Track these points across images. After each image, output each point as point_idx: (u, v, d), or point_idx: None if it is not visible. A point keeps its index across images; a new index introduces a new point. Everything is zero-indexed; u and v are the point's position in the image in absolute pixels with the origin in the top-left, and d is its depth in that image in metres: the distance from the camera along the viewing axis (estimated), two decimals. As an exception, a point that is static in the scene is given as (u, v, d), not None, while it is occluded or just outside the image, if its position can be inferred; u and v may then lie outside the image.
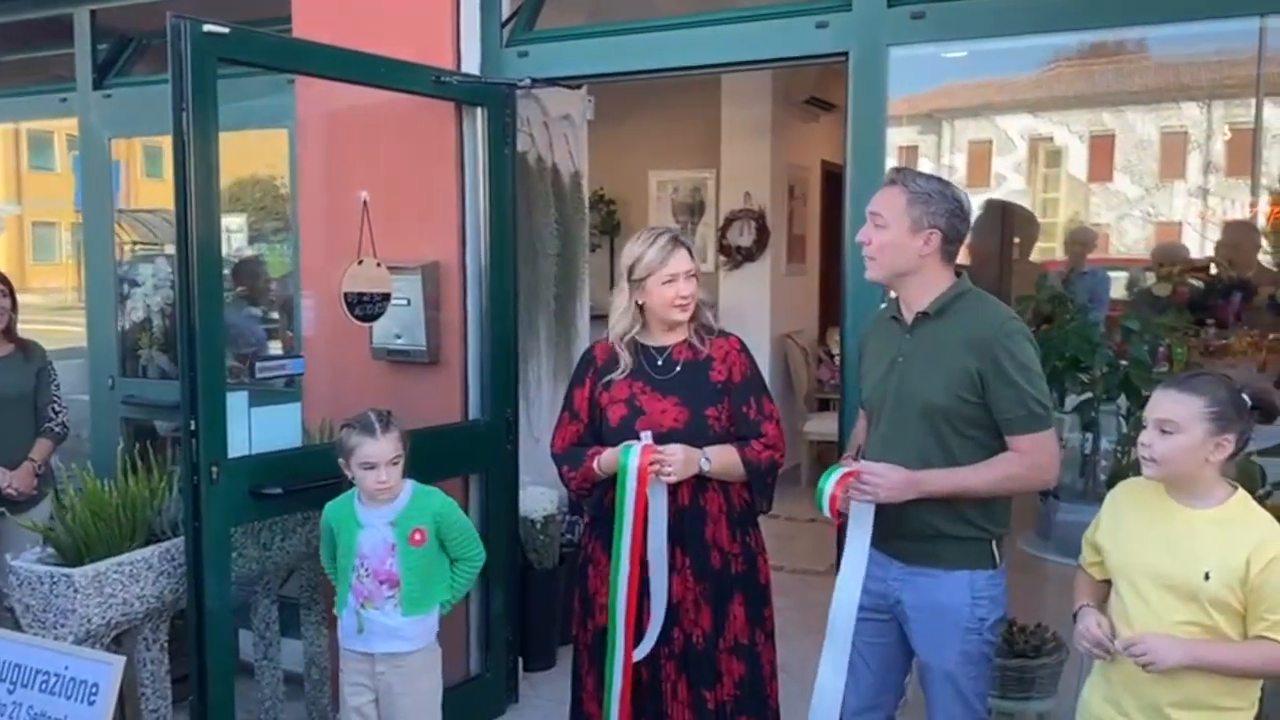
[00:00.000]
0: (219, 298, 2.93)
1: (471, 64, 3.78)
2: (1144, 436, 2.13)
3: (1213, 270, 5.74)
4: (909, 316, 2.51)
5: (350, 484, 2.87)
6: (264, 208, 5.15)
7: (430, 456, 3.15)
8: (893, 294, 2.60)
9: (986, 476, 2.39)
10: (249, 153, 4.85)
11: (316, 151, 4.03)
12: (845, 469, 2.43)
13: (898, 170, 2.56)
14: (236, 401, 3.00)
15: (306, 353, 3.97)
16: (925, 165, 14.23)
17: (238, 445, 3.01)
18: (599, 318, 5.55)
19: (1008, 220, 5.56)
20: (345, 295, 3.45)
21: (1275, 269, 6.27)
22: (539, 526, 4.09)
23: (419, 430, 3.10)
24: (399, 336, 3.80)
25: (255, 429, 3.13)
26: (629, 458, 2.65)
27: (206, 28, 2.78)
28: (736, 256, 6.91)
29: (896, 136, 3.29)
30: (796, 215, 7.26)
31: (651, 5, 4.48)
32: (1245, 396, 2.12)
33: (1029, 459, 2.38)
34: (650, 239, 2.78)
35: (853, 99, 3.31)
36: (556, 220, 4.56)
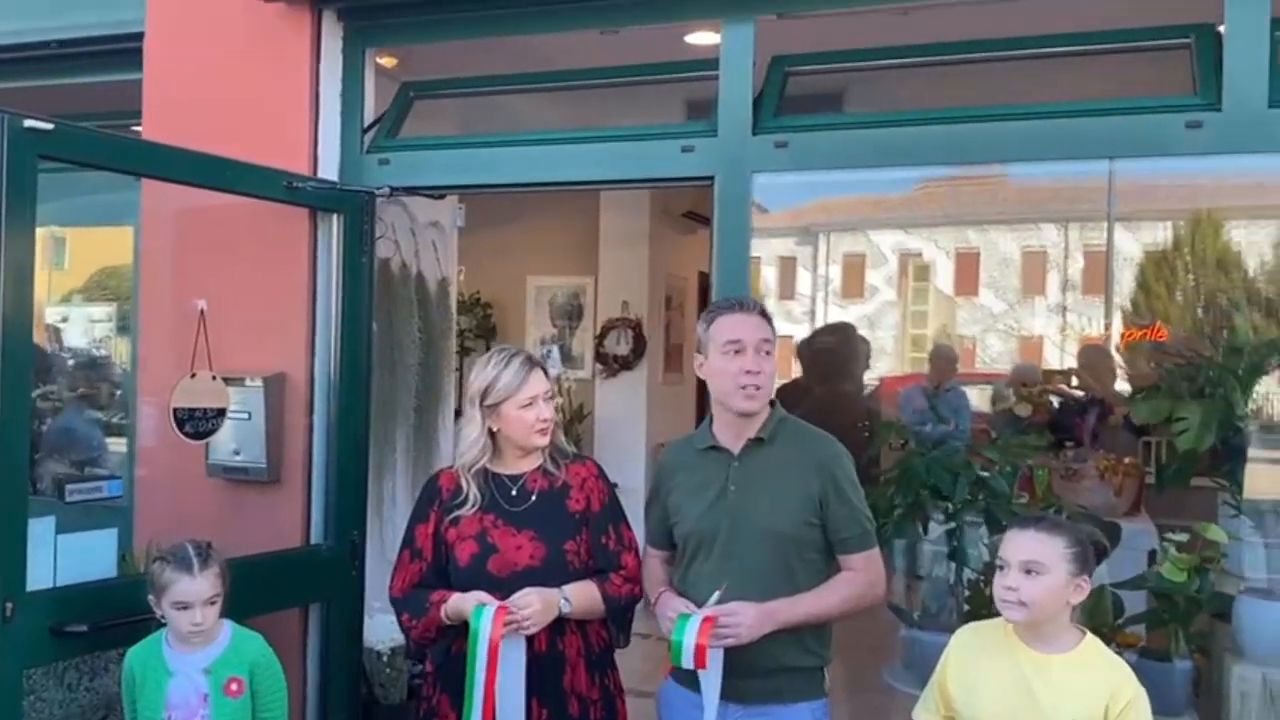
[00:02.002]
0: (24, 410, 2.66)
1: (330, 169, 3.65)
2: (1007, 579, 2.08)
3: (1071, 384, 5.88)
4: (736, 445, 2.48)
5: (162, 623, 2.60)
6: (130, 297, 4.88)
7: (264, 586, 2.92)
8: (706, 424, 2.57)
9: (832, 600, 2.41)
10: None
11: (160, 252, 3.81)
12: (702, 615, 2.32)
13: (752, 300, 2.60)
14: (41, 529, 2.72)
15: (142, 466, 3.69)
16: (803, 276, 14.59)
17: (40, 576, 2.71)
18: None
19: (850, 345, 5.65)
20: (175, 411, 3.21)
21: (1130, 388, 6.50)
22: (385, 659, 3.82)
23: (253, 557, 2.86)
24: (237, 453, 3.56)
25: (62, 557, 2.85)
26: (480, 622, 2.43)
27: (27, 123, 2.59)
28: (613, 365, 6.84)
29: (776, 248, 3.29)
30: (674, 325, 7.26)
31: (521, 117, 4.47)
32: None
33: (866, 576, 2.44)
34: (504, 361, 2.64)
35: (718, 221, 3.31)
36: (420, 329, 4.40)
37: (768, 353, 2.46)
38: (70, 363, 5.29)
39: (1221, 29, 2.85)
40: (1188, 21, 2.97)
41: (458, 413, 4.71)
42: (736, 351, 2.44)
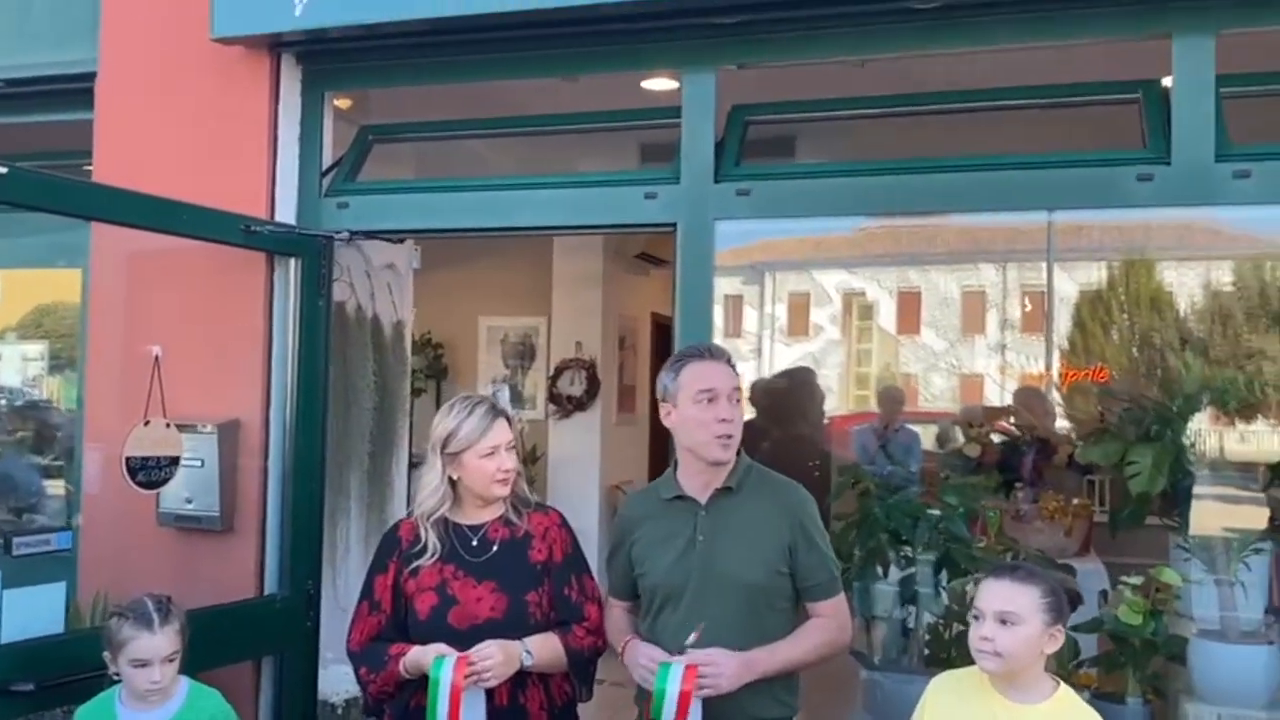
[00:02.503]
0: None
1: (287, 213, 3.62)
2: (983, 629, 2.09)
3: (1013, 424, 5.97)
4: (703, 494, 2.46)
5: (115, 680, 2.52)
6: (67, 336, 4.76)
7: (217, 639, 2.84)
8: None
9: (806, 646, 2.41)
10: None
11: (111, 296, 3.73)
12: (684, 662, 2.29)
13: (719, 347, 2.58)
14: (-16, 582, 2.63)
15: (86, 514, 3.58)
16: (749, 314, 14.72)
17: (-17, 633, 2.62)
18: (420, 464, 5.32)
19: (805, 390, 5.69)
20: (127, 460, 3.13)
21: (1072, 428, 6.62)
22: (340, 711, 3.74)
23: (206, 609, 2.79)
24: (190, 501, 3.47)
25: (6, 612, 2.74)
26: (440, 673, 2.36)
27: (-20, 167, 2.54)
28: (567, 406, 6.81)
29: (723, 286, 3.31)
30: (627, 365, 7.27)
31: (482, 161, 4.47)
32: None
33: (836, 621, 2.46)
34: (467, 409, 2.60)
35: (681, 267, 3.32)
36: (375, 372, 4.34)
37: (738, 400, 2.47)
38: (2, 403, 5.14)
39: (1168, 82, 2.95)
40: (1136, 77, 3.07)
41: (412, 457, 4.67)
42: (710, 400, 2.43)
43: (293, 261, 3.52)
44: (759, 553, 2.40)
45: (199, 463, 3.42)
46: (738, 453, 2.51)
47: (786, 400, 5.05)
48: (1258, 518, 3.57)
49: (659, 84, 3.75)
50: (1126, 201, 2.95)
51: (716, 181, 3.28)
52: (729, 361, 2.51)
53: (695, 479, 2.49)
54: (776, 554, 2.40)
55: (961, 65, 3.22)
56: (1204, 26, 2.87)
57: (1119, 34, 2.98)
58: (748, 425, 2.57)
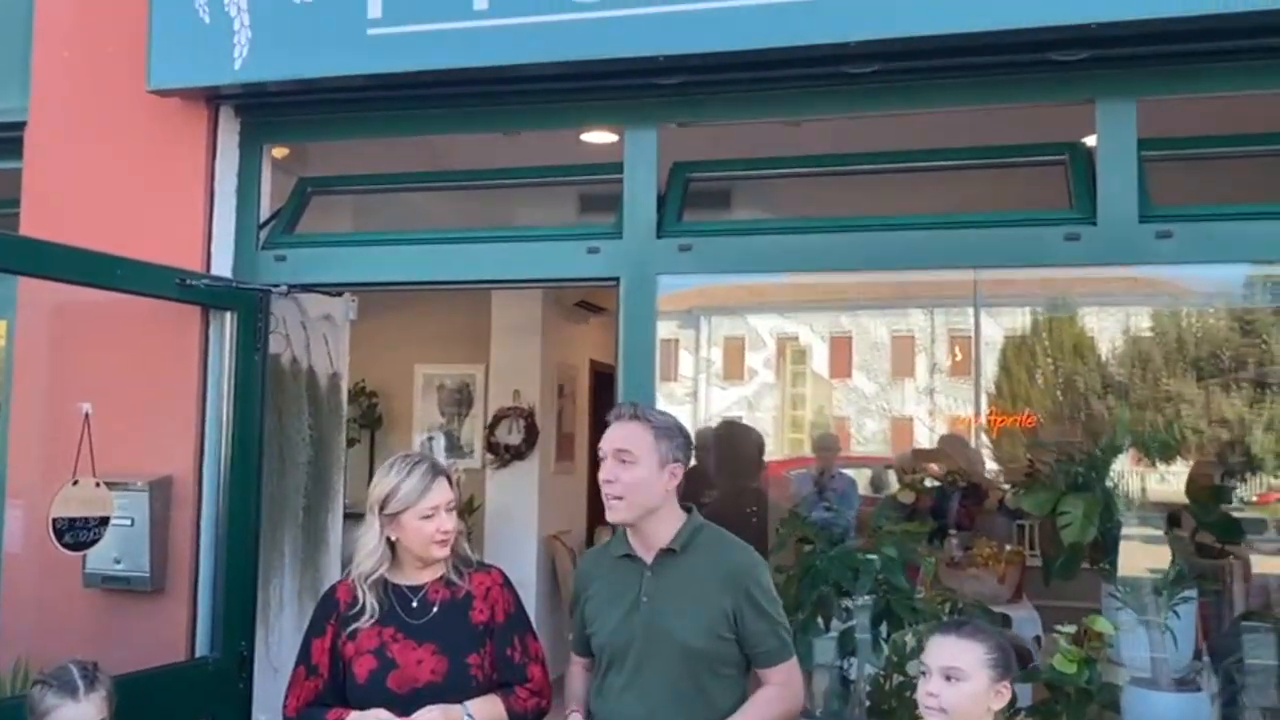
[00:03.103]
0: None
1: (224, 265, 3.56)
2: (929, 685, 2.11)
3: (939, 469, 6.05)
4: (648, 554, 2.44)
5: (38, 754, 2.41)
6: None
7: (146, 704, 2.74)
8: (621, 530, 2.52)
9: (768, 716, 2.35)
10: None
11: (37, 348, 3.62)
12: None
13: (634, 405, 2.53)
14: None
15: (7, 576, 3.45)
16: (685, 358, 14.80)
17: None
18: (354, 516, 5.22)
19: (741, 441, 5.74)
20: (54, 521, 3.02)
21: (1001, 473, 6.76)
22: (273, 776, 3.63)
23: (134, 674, 2.69)
24: (119, 561, 3.37)
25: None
26: None
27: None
28: (504, 455, 6.76)
29: (660, 330, 3.33)
30: (566, 414, 7.24)
31: (422, 212, 4.45)
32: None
33: (789, 689, 2.40)
34: (407, 468, 2.57)
35: (624, 321, 3.33)
36: (310, 425, 4.27)
37: (624, 461, 2.39)
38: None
39: (1092, 141, 3.06)
40: (1067, 134, 3.18)
41: (346, 508, 4.59)
42: (602, 460, 2.44)
43: (228, 315, 3.46)
44: (699, 618, 2.35)
45: (129, 521, 3.33)
46: (689, 510, 2.49)
47: (725, 450, 5.08)
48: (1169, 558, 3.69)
49: (599, 137, 3.79)
50: (1054, 260, 3.05)
51: (659, 237, 3.31)
52: (637, 417, 2.46)
53: (638, 537, 2.47)
54: (718, 620, 2.34)
55: (897, 125, 3.31)
56: (1126, 93, 2.99)
57: (1045, 99, 3.08)
58: (687, 475, 2.54)
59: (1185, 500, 4.25)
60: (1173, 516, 4.51)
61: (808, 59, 3.04)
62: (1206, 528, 3.90)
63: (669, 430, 2.45)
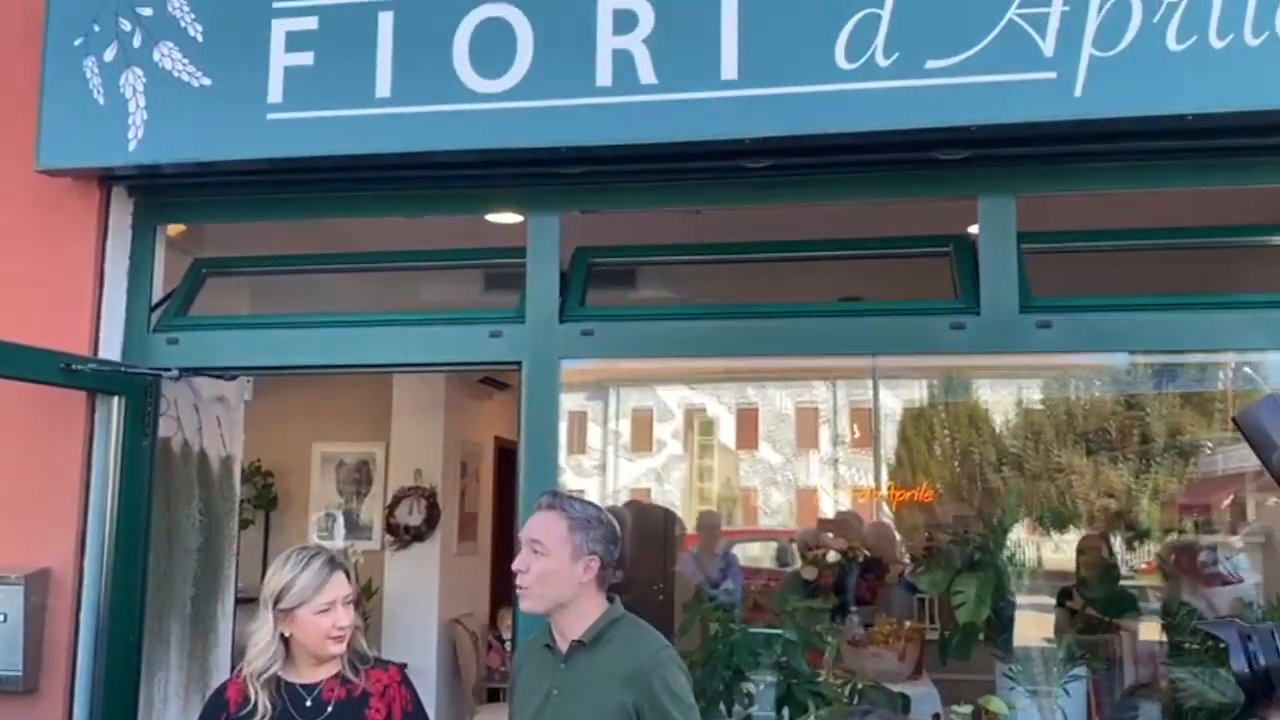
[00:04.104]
0: None
1: (112, 349, 3.46)
2: None
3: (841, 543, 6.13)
4: (564, 645, 2.42)
5: None
6: None
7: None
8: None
9: None
10: None
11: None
12: None
13: (554, 495, 2.53)
14: None
15: None
16: (593, 430, 14.76)
17: None
18: (246, 600, 5.04)
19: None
20: (-84, 623, 2.86)
21: (903, 541, 6.89)
22: None
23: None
24: (-11, 660, 3.19)
25: None
26: None
27: None
28: (405, 536, 6.63)
29: (566, 402, 3.33)
30: (469, 492, 7.15)
31: (322, 291, 4.40)
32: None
33: None
34: (303, 562, 2.51)
35: (526, 404, 3.32)
36: (201, 511, 4.13)
37: (536, 551, 2.38)
38: None
39: (974, 230, 3.21)
40: (954, 225, 3.32)
41: (238, 593, 4.43)
42: (517, 548, 2.43)
43: (116, 400, 3.36)
44: (603, 714, 2.30)
45: (1, 617, 3.16)
46: (610, 599, 2.48)
47: (632, 533, 5.08)
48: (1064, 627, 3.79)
49: (504, 216, 3.81)
50: (942, 348, 3.16)
51: (561, 322, 3.33)
52: (550, 507, 2.44)
53: (556, 628, 2.44)
54: (617, 717, 2.29)
55: (797, 212, 3.42)
56: (1005, 190, 3.14)
57: (930, 194, 3.23)
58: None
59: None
60: (1064, 591, 4.66)
61: (706, 153, 3.13)
62: (1094, 604, 4.03)
63: (586, 522, 2.43)
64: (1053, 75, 2.83)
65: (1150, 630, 4.41)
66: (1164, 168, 3.08)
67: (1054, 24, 2.83)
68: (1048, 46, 2.83)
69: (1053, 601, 4.67)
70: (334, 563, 2.52)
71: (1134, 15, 2.82)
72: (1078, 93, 2.81)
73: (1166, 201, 3.31)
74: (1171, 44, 2.81)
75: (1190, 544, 5.33)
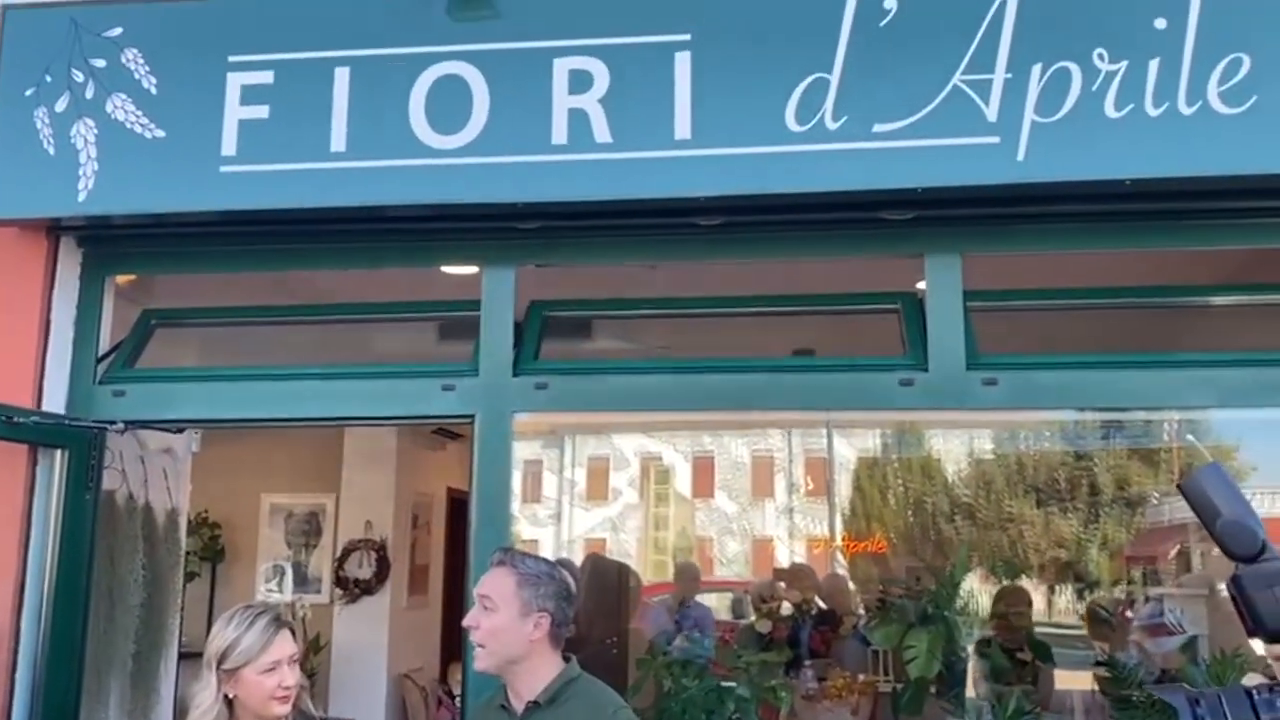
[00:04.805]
0: None
1: (56, 401, 3.40)
2: None
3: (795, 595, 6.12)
4: (519, 706, 2.39)
5: None
6: None
7: None
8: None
9: None
10: None
11: None
12: None
13: (506, 551, 2.52)
14: None
15: None
16: (549, 478, 14.64)
17: None
18: (190, 655, 4.92)
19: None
20: None
21: (858, 598, 6.89)
22: None
23: None
24: (-84, 724, 3.08)
25: None
26: None
27: None
28: (354, 590, 6.53)
29: (522, 451, 3.31)
30: (420, 544, 7.07)
31: (274, 342, 4.35)
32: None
33: None
34: (247, 621, 2.47)
35: (478, 457, 3.30)
36: (144, 566, 4.05)
37: (486, 607, 2.37)
38: None
39: (922, 285, 3.26)
40: (904, 279, 3.37)
41: (181, 648, 4.34)
42: (470, 605, 2.42)
43: (59, 453, 3.29)
44: None
45: (-69, 679, 3.06)
46: (566, 658, 2.45)
47: (589, 589, 5.03)
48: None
49: (459, 269, 3.81)
50: (891, 404, 3.20)
51: (515, 375, 3.32)
52: (501, 563, 2.44)
53: (510, 688, 2.42)
54: None
55: (748, 267, 3.46)
56: (951, 249, 3.21)
57: (878, 253, 3.28)
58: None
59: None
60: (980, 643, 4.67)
61: (660, 210, 3.16)
62: (1008, 653, 4.05)
63: (536, 578, 2.42)
64: (996, 140, 2.91)
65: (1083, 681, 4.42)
66: (1104, 230, 3.17)
67: (997, 90, 2.92)
68: (991, 112, 2.92)
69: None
70: (279, 621, 2.49)
71: (1074, 83, 2.91)
72: (1020, 157, 2.89)
73: (1111, 260, 3.41)
74: (1110, 111, 2.90)
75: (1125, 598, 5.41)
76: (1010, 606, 4.45)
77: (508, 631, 2.37)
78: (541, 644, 2.40)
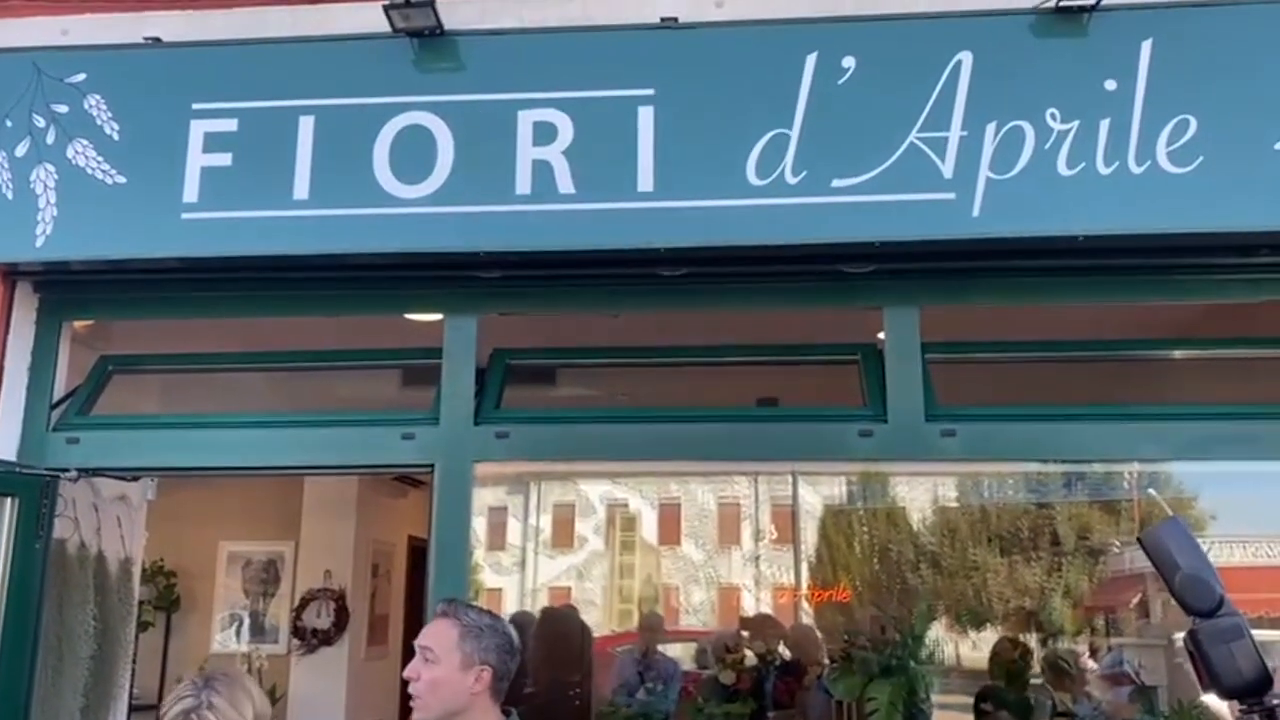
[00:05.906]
0: None
1: (8, 448, 3.34)
2: None
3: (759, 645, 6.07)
4: None
5: None
6: None
7: None
8: None
9: None
10: None
11: None
12: None
13: (449, 602, 2.48)
14: None
15: None
16: (513, 525, 14.51)
17: None
18: (142, 708, 4.79)
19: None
20: None
21: (825, 647, 6.86)
22: None
23: None
24: None
25: None
26: None
27: None
28: (312, 640, 6.41)
29: (486, 497, 3.28)
30: (380, 593, 6.97)
31: (234, 388, 4.32)
32: None
33: None
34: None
35: (437, 507, 3.28)
36: (95, 616, 3.96)
37: (427, 659, 2.31)
38: None
39: (882, 335, 3.30)
40: (865, 331, 3.40)
41: (132, 700, 4.24)
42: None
43: (9, 501, 3.23)
44: None
45: None
46: (506, 713, 2.41)
47: (544, 643, 4.98)
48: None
49: (422, 316, 3.80)
50: (851, 454, 3.23)
51: (476, 424, 3.31)
52: (444, 615, 2.38)
53: None
54: None
55: (711, 316, 3.48)
56: (909, 302, 3.25)
57: (838, 304, 3.32)
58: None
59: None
60: (981, 693, 4.68)
61: (623, 260, 3.19)
62: (1007, 708, 4.06)
63: (479, 630, 2.38)
64: (951, 196, 2.97)
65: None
66: (1059, 284, 3.23)
67: (953, 148, 2.98)
68: (947, 169, 2.98)
69: (969, 700, 4.69)
70: (213, 687, 2.43)
71: (1027, 142, 2.98)
72: (975, 213, 2.95)
73: (1070, 313, 3.46)
74: (1062, 169, 2.97)
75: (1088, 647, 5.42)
76: (1004, 657, 4.45)
77: (448, 684, 2.33)
78: (482, 697, 2.35)
